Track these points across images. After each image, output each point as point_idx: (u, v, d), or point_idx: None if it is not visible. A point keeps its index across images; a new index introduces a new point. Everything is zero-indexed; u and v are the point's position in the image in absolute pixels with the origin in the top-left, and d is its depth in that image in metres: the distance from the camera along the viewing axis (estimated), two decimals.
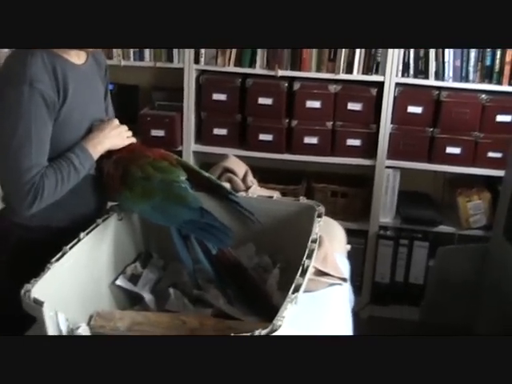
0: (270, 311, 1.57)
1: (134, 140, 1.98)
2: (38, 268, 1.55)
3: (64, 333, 1.50)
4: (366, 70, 3.26)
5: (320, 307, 1.99)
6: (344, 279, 2.18)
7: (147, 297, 1.84)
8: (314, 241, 1.74)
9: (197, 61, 3.35)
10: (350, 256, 2.60)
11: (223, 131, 3.44)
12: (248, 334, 1.32)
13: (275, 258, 1.99)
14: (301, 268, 1.58)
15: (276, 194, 2.19)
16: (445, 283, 3.35)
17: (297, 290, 1.49)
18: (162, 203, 1.80)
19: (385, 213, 3.46)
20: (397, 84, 3.24)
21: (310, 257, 1.64)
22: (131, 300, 1.87)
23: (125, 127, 1.96)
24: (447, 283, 3.34)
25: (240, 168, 2.53)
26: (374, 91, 3.26)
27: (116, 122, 1.95)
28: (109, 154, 1.90)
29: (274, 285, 1.87)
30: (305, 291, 1.97)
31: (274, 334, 1.33)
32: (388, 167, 3.36)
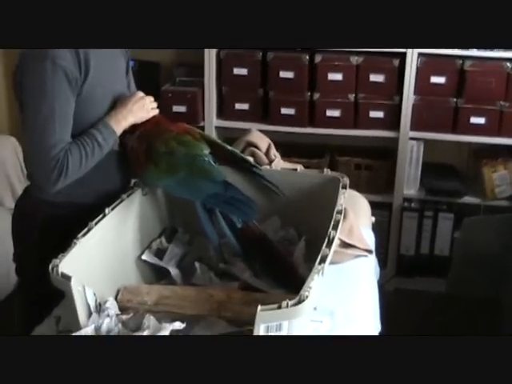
0: (296, 283, 1.57)
1: (157, 112, 1.97)
2: (65, 244, 1.57)
3: (92, 307, 1.52)
4: None
5: (346, 279, 1.99)
6: (370, 251, 2.17)
7: (173, 271, 1.84)
8: (340, 212, 1.73)
9: None
10: (375, 229, 2.59)
11: (245, 106, 3.42)
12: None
13: (301, 231, 1.99)
14: (327, 239, 1.58)
15: (299, 167, 2.18)
16: (471, 254, 3.33)
17: (323, 260, 1.49)
18: (187, 178, 1.80)
19: (409, 185, 3.43)
20: (419, 54, 3.20)
21: (335, 228, 1.64)
22: (157, 274, 1.88)
23: (149, 99, 1.96)
24: (473, 254, 3.32)
25: (263, 142, 2.52)
26: (396, 62, 3.22)
27: (140, 94, 1.95)
28: (132, 128, 1.90)
29: (300, 257, 1.87)
30: (331, 263, 1.98)
31: (302, 304, 1.33)
32: (412, 139, 3.33)
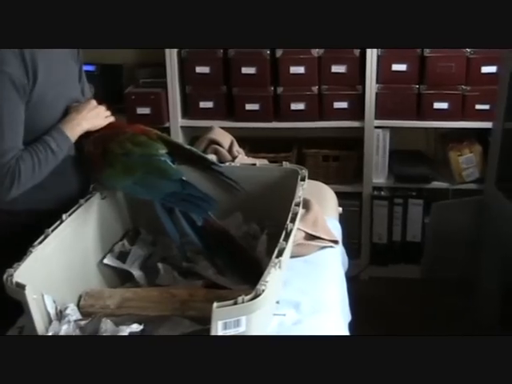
0: (259, 278, 1.57)
1: (112, 119, 1.97)
2: (22, 252, 1.55)
3: (52, 315, 1.51)
4: None
5: (312, 270, 1.99)
6: (335, 241, 2.17)
7: (136, 273, 1.83)
8: (298, 204, 1.73)
9: None
10: (345, 219, 2.59)
11: (209, 104, 3.41)
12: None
13: (263, 225, 1.98)
14: (284, 232, 1.58)
15: (258, 162, 2.17)
16: (442, 238, 3.35)
17: (280, 254, 1.49)
18: (143, 178, 1.79)
19: (377, 173, 3.44)
20: None
21: (293, 220, 1.64)
22: (121, 278, 1.86)
23: (103, 107, 1.95)
24: (445, 238, 3.34)
25: (225, 139, 2.51)
26: (357, 52, 3.23)
27: (93, 102, 1.94)
28: (87, 134, 1.89)
29: (262, 251, 1.87)
30: (297, 256, 1.99)
31: (258, 298, 1.33)
32: (377, 127, 3.34)
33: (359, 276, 3.52)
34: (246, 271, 1.81)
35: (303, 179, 1.88)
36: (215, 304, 1.30)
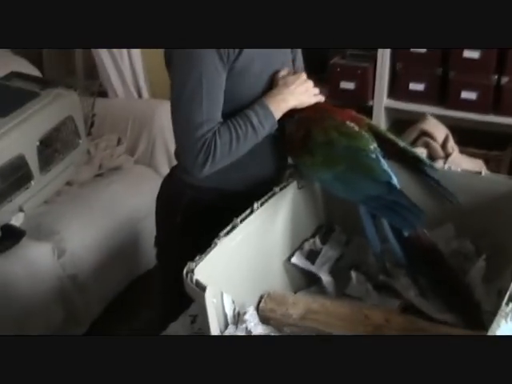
0: (469, 308, 1.39)
1: (321, 98, 1.75)
2: (209, 233, 1.40)
3: (229, 317, 1.35)
4: None
5: None
6: None
7: (325, 278, 1.62)
8: None
9: None
10: None
11: (420, 86, 3.11)
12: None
13: (479, 244, 1.67)
14: None
15: (480, 165, 1.86)
16: None
17: None
18: (346, 173, 1.56)
19: None
20: None
21: None
22: (307, 279, 1.66)
23: (311, 83, 1.73)
24: None
25: (440, 132, 2.24)
26: None
27: (304, 76, 1.73)
28: (291, 112, 1.68)
29: (477, 278, 1.57)
30: None
31: None
32: None
33: None
34: (452, 297, 1.53)
35: None
36: None
